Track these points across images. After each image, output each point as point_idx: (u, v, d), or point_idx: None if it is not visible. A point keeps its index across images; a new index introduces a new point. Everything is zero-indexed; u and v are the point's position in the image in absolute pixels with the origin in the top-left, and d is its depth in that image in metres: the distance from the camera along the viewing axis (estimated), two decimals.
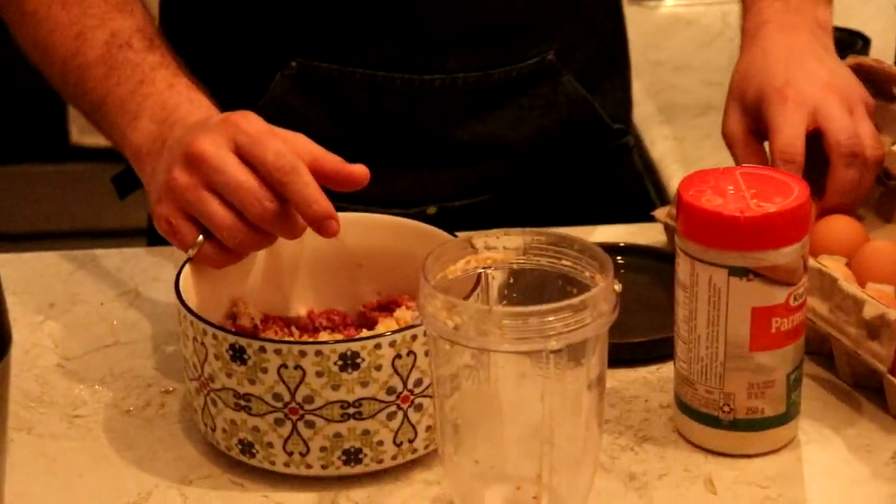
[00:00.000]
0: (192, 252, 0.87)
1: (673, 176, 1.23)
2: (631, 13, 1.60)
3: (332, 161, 0.88)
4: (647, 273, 1.03)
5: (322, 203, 0.85)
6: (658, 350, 0.95)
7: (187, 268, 0.89)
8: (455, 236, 0.90)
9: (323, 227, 0.86)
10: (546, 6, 1.09)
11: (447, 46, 1.07)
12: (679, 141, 1.31)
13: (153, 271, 1.06)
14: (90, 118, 0.98)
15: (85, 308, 1.02)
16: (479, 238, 0.81)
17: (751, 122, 1.03)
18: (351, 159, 0.87)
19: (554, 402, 0.77)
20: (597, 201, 1.18)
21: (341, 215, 0.95)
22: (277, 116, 1.08)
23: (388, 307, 0.94)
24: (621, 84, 1.19)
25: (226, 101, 0.97)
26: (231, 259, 0.89)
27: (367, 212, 0.94)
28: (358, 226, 0.95)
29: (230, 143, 0.86)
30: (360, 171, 0.88)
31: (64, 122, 2.30)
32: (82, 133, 2.29)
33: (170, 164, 0.88)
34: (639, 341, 0.96)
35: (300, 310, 0.96)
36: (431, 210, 1.11)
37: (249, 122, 0.87)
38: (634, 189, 1.21)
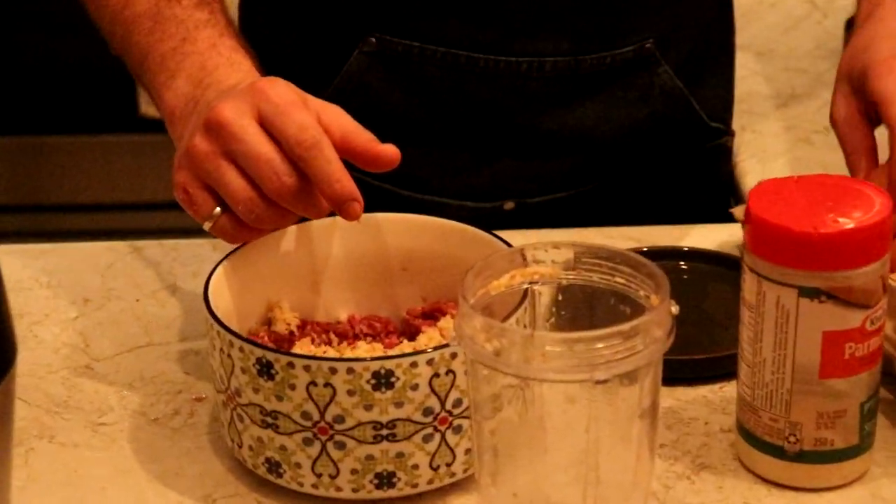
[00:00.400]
0: (208, 225, 0.83)
1: (749, 172, 1.15)
2: None
3: (363, 138, 0.82)
4: (715, 280, 0.96)
5: (344, 182, 0.80)
6: (722, 367, 0.88)
7: (220, 269, 0.84)
8: (505, 242, 0.84)
9: (344, 208, 0.80)
10: None
11: (537, 27, 1.00)
12: (757, 134, 1.23)
13: (193, 265, 1.01)
14: (135, 73, 0.94)
15: (120, 304, 0.98)
16: (528, 251, 0.75)
17: (859, 104, 0.95)
18: (427, 143, 0.81)
19: (601, 431, 0.71)
20: (687, 203, 1.11)
21: (385, 216, 0.90)
22: (354, 94, 1.03)
23: (432, 315, 0.89)
24: (725, 80, 1.12)
25: (303, 77, 0.91)
26: (249, 235, 0.84)
27: (441, 203, 0.87)
28: (402, 227, 0.89)
29: (254, 111, 0.81)
30: (389, 151, 0.82)
31: (133, 93, 2.28)
32: (150, 104, 2.26)
33: (193, 130, 0.83)
34: (701, 357, 0.89)
35: (341, 314, 0.90)
36: (509, 205, 1.05)
37: (276, 90, 0.82)
38: (729, 193, 1.13)
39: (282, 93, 0.82)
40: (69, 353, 0.92)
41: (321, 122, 0.82)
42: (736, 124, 1.24)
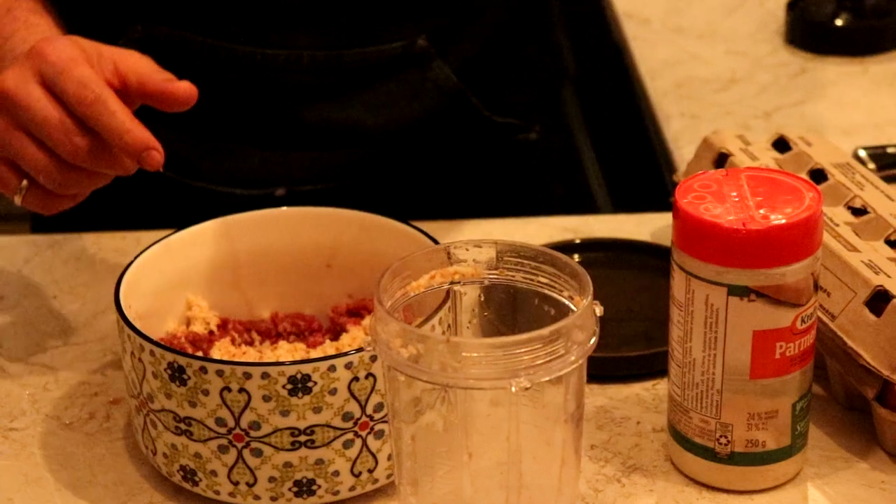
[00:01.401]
0: (18, 199, 0.80)
1: (686, 159, 1.13)
2: None
3: (157, 79, 0.80)
4: (652, 273, 0.94)
5: (135, 132, 0.78)
6: (656, 364, 0.86)
7: (135, 266, 0.81)
8: (430, 237, 0.82)
9: (142, 159, 0.78)
10: None
11: (294, 21, 0.98)
12: (696, 119, 1.20)
13: (116, 259, 0.98)
14: None
15: (36, 302, 0.94)
16: (451, 249, 0.72)
17: None
18: (196, 130, 0.80)
19: (525, 435, 0.69)
20: (489, 197, 1.09)
21: (308, 210, 0.87)
22: None
23: (357, 312, 0.86)
24: (529, 79, 1.10)
25: None
26: (62, 203, 0.81)
27: (210, 189, 0.86)
28: (325, 221, 0.86)
29: (36, 75, 0.79)
30: (184, 87, 0.80)
31: None
32: None
33: None
34: (634, 355, 0.87)
35: (264, 312, 0.88)
36: (280, 192, 1.03)
37: (55, 50, 0.79)
38: (536, 189, 1.12)
39: (60, 51, 0.79)
40: None
41: (118, 72, 0.80)
42: (674, 110, 1.22)
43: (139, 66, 0.81)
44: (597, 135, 1.76)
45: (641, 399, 0.85)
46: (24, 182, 0.80)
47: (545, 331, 0.65)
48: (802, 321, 0.74)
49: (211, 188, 1.00)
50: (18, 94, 0.78)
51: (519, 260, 0.72)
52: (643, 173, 1.33)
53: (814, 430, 0.81)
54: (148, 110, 0.87)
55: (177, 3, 0.99)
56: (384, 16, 0.99)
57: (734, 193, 0.74)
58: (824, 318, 0.81)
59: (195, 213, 0.87)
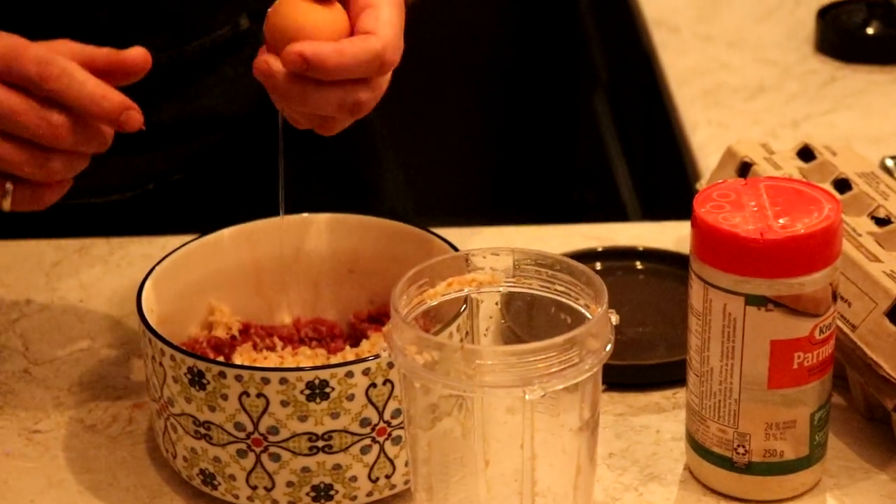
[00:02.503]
0: (6, 204, 0.78)
1: (711, 168, 1.13)
2: None
3: (103, 53, 0.78)
4: (673, 281, 0.94)
5: (111, 96, 0.76)
6: (676, 373, 0.85)
7: (157, 271, 0.82)
8: (451, 244, 0.82)
9: (123, 121, 0.76)
10: None
11: (129, 32, 0.97)
12: (723, 128, 1.20)
13: (143, 263, 0.99)
14: None
15: (63, 305, 0.95)
16: (470, 256, 0.73)
17: None
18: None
19: (541, 443, 0.69)
20: (336, 160, 1.08)
21: (329, 216, 0.87)
22: None
23: (379, 318, 0.87)
24: None
25: None
26: (52, 194, 0.79)
27: (83, 203, 0.85)
28: (349, 227, 0.87)
29: None
30: (136, 54, 0.78)
31: None
32: None
33: None
34: (654, 363, 0.87)
35: (286, 318, 0.88)
36: (151, 186, 1.02)
37: None
38: (372, 143, 1.11)
39: (3, 41, 0.77)
40: (7, 357, 0.90)
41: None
42: (701, 117, 1.22)
43: (76, 47, 0.78)
44: (627, 143, 1.76)
45: (661, 407, 0.85)
46: (9, 185, 0.78)
47: (559, 339, 0.65)
48: (821, 331, 0.74)
49: (86, 202, 0.99)
50: None
51: (536, 268, 0.72)
52: (672, 181, 1.33)
53: (834, 440, 0.81)
54: None
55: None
56: (206, 5, 0.99)
57: (753, 203, 0.74)
58: (845, 329, 0.81)
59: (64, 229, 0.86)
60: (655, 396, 0.86)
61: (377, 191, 1.14)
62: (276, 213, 0.85)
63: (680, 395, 0.85)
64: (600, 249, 0.96)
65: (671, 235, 1.01)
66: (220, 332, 0.85)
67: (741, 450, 0.76)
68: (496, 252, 0.72)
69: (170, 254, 0.84)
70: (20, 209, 0.80)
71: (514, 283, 0.72)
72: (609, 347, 0.68)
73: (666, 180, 1.36)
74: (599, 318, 0.67)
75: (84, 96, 0.76)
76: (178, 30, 1.00)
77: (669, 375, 0.86)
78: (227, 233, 0.86)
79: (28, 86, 0.77)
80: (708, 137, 1.18)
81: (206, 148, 1.05)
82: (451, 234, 0.85)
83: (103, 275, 0.99)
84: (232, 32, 1.02)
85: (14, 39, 0.78)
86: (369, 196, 1.13)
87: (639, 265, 0.95)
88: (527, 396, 0.65)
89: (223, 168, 1.06)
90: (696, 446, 0.78)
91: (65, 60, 0.76)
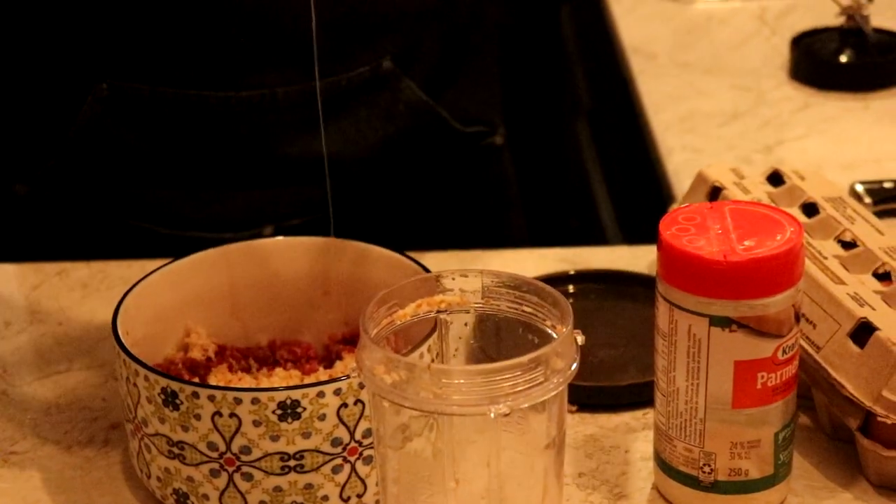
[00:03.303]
0: None
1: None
2: (663, 10, 1.53)
3: None
4: (644, 304, 0.95)
5: None
6: (646, 394, 0.86)
7: (134, 292, 0.83)
8: (423, 266, 0.83)
9: None
10: (368, 14, 1.00)
11: (264, 61, 0.99)
12: (698, 153, 1.22)
13: (121, 287, 1.00)
14: None
15: (42, 328, 0.96)
16: (440, 278, 0.74)
17: None
18: (175, 182, 0.78)
19: (510, 462, 0.70)
20: (463, 206, 1.11)
21: (305, 239, 0.89)
22: (93, 142, 1.00)
23: (353, 340, 0.88)
24: (483, 81, 1.11)
25: (40, 126, 0.85)
26: None
27: (201, 238, 0.86)
28: (322, 250, 0.88)
29: None
30: None
31: None
32: None
33: None
34: (625, 384, 0.88)
35: (262, 339, 0.89)
36: (268, 231, 1.04)
37: None
38: (503, 191, 1.13)
39: None
40: None
41: None
42: (677, 143, 1.24)
43: None
44: (608, 168, 1.77)
45: (631, 428, 0.86)
46: None
47: (525, 358, 0.66)
48: (784, 352, 0.75)
49: (202, 236, 1.01)
50: None
51: (504, 289, 0.73)
52: (649, 206, 1.35)
53: (799, 459, 0.82)
54: (133, 168, 0.82)
55: (142, 57, 0.99)
56: (347, 44, 1.00)
57: (717, 226, 0.76)
58: (809, 350, 0.83)
59: None
60: (626, 417, 0.87)
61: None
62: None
63: (650, 415, 0.87)
64: (573, 273, 0.97)
65: (645, 259, 1.02)
66: (196, 354, 0.86)
67: (707, 468, 0.77)
68: (465, 274, 0.73)
69: (147, 276, 0.85)
70: None
71: (482, 304, 0.74)
72: (574, 367, 0.69)
73: (643, 205, 1.38)
74: (564, 338, 0.68)
75: None
76: (313, 64, 0.97)
77: (640, 396, 0.87)
78: (203, 255, 0.87)
79: None
80: (683, 162, 1.20)
81: (325, 196, 1.05)
82: (428, 257, 0.86)
83: (82, 298, 1.00)
84: (371, 73, 1.02)
85: None
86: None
87: (611, 288, 0.96)
88: (492, 414, 0.66)
89: (340, 218, 1.06)
90: (664, 465, 0.79)
91: None
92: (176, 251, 0.86)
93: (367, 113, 1.03)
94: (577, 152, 1.92)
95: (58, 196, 1.07)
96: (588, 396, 0.87)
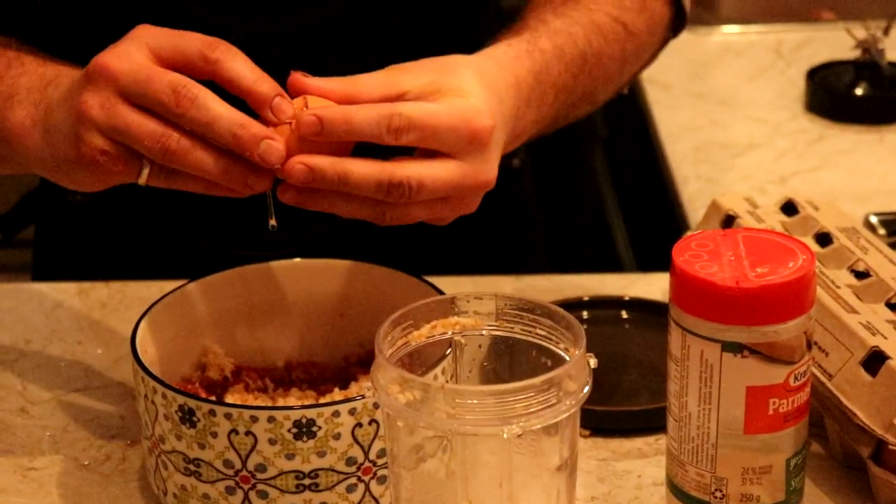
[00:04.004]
0: (143, 177, 0.78)
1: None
2: (679, 41, 1.51)
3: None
4: (658, 330, 0.96)
5: (248, 125, 0.75)
6: (658, 419, 0.87)
7: (153, 312, 0.84)
8: (437, 289, 0.84)
9: (262, 152, 0.75)
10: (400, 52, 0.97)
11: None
12: (712, 182, 1.23)
13: (141, 307, 1.01)
14: None
15: (61, 346, 0.98)
16: (455, 300, 0.75)
17: None
18: (216, 207, 0.80)
19: (522, 483, 0.71)
20: (483, 228, 1.11)
21: (322, 261, 0.90)
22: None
23: (369, 362, 0.88)
24: None
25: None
26: (189, 182, 0.78)
27: (240, 254, 0.86)
28: (339, 272, 0.89)
29: (116, 94, 0.76)
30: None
31: None
32: None
33: (72, 106, 0.78)
34: (638, 409, 0.89)
35: (278, 360, 0.90)
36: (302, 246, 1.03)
37: (121, 61, 0.77)
38: (523, 213, 1.14)
39: (128, 61, 0.77)
40: (4, 396, 0.92)
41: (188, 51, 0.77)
42: (691, 173, 1.25)
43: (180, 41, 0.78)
44: (624, 197, 1.78)
45: (643, 453, 0.87)
46: (145, 160, 0.77)
47: (538, 380, 0.67)
48: (796, 378, 0.76)
49: (235, 253, 1.02)
50: (111, 122, 0.76)
51: (518, 312, 0.74)
52: (663, 235, 1.35)
53: (812, 487, 0.82)
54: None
55: None
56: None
57: (730, 253, 0.76)
58: (822, 378, 0.83)
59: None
60: (638, 442, 0.87)
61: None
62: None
63: (662, 441, 0.87)
64: (587, 299, 0.98)
65: (659, 286, 1.03)
66: (213, 373, 0.87)
67: (718, 494, 0.77)
68: (480, 297, 0.74)
69: (165, 295, 0.86)
70: (155, 185, 0.79)
71: (496, 326, 0.75)
72: (587, 389, 0.70)
73: (658, 234, 1.39)
74: (577, 361, 0.69)
75: (219, 124, 0.75)
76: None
77: (652, 422, 0.88)
78: (221, 276, 0.88)
79: (159, 110, 0.76)
80: (697, 192, 1.20)
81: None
82: (444, 282, 0.87)
83: (101, 317, 1.01)
84: None
85: (139, 54, 0.77)
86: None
87: (624, 314, 0.97)
88: (504, 435, 0.67)
89: (381, 234, 1.07)
90: (676, 490, 0.79)
91: (199, 87, 0.76)
92: (215, 268, 0.87)
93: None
94: (593, 180, 1.93)
95: (110, 207, 1.09)
96: (601, 421, 0.87)
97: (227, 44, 0.78)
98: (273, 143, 0.76)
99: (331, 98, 0.78)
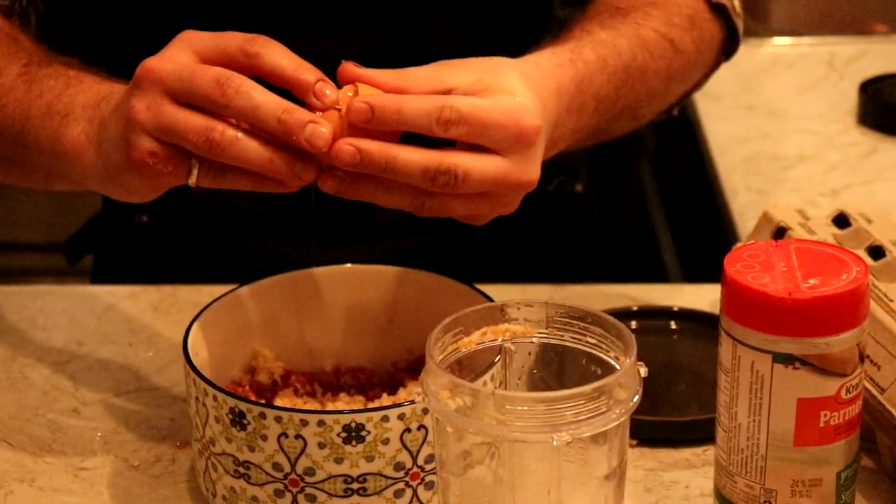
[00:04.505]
0: (193, 177, 0.79)
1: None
2: None
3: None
4: (706, 341, 0.95)
5: (292, 111, 0.75)
6: (707, 430, 0.87)
7: (204, 316, 0.85)
8: (486, 296, 0.84)
9: (308, 136, 0.75)
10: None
11: None
12: (763, 194, 1.22)
13: (191, 311, 1.02)
14: (11, 148, 0.88)
15: (112, 349, 0.99)
16: (505, 307, 0.75)
17: None
18: (282, 235, 0.80)
19: (569, 492, 0.71)
20: (544, 251, 1.13)
21: (369, 268, 0.90)
22: (208, 198, 1.03)
23: (417, 368, 0.89)
24: None
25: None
26: (238, 178, 0.78)
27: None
28: (386, 279, 0.89)
29: (162, 95, 0.77)
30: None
31: None
32: None
33: (122, 114, 0.79)
34: (687, 420, 0.88)
35: (327, 365, 0.91)
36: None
37: (165, 63, 0.78)
38: (583, 237, 1.14)
39: (171, 62, 0.78)
40: (57, 396, 0.93)
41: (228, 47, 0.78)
42: (741, 184, 1.24)
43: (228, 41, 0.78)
44: (671, 209, 1.78)
45: (691, 464, 0.86)
46: (194, 160, 0.78)
47: (588, 387, 0.67)
48: (847, 391, 0.75)
49: (287, 246, 1.04)
50: (158, 121, 0.77)
51: (568, 320, 0.74)
52: (712, 247, 1.35)
53: (862, 501, 0.82)
54: (241, 216, 0.86)
55: None
56: None
57: (782, 264, 0.76)
58: (874, 391, 0.83)
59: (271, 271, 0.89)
60: (686, 453, 0.87)
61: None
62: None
63: (710, 452, 0.87)
64: (636, 308, 0.98)
65: (707, 298, 1.03)
66: (263, 377, 0.87)
67: None
68: (530, 304, 0.74)
69: (217, 299, 0.86)
70: (205, 185, 0.79)
71: (547, 334, 0.75)
72: (637, 398, 0.70)
73: (706, 245, 1.38)
74: (628, 369, 0.69)
75: (263, 111, 0.76)
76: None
77: (700, 433, 0.88)
78: (271, 281, 0.88)
79: (205, 104, 0.77)
80: (747, 204, 1.20)
81: (431, 244, 1.07)
82: (492, 290, 0.87)
83: (152, 321, 1.02)
84: None
85: (181, 54, 0.78)
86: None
87: (673, 325, 0.97)
88: (554, 442, 0.67)
89: (440, 254, 1.07)
90: (724, 501, 0.79)
91: (234, 77, 0.77)
92: (258, 257, 0.88)
93: None
94: (640, 193, 1.92)
95: (175, 230, 1.10)
96: (648, 431, 0.87)
97: (266, 38, 0.78)
98: (318, 127, 0.76)
99: (381, 88, 0.79)
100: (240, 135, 0.77)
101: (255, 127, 0.77)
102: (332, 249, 1.06)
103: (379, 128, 0.77)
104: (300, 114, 0.77)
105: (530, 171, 0.80)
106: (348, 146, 0.77)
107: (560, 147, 0.89)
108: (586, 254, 1.18)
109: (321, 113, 0.77)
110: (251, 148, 0.77)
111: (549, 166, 1.12)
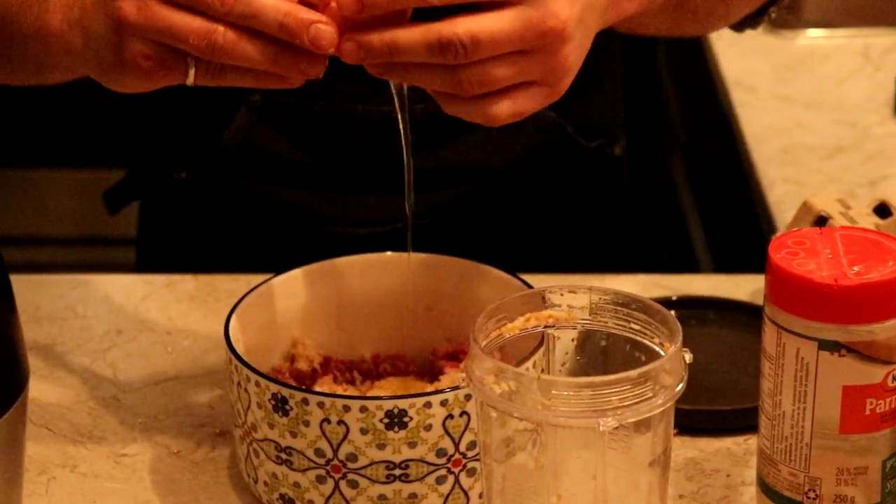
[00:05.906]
0: (190, 77, 0.76)
1: (787, 224, 1.14)
2: (765, 44, 1.53)
3: None
4: (745, 331, 0.95)
5: (295, 12, 0.73)
6: (747, 419, 0.87)
7: (245, 303, 0.85)
8: (526, 283, 0.84)
9: (312, 37, 0.73)
10: None
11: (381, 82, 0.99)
12: (800, 185, 1.22)
13: (228, 300, 1.02)
14: None
15: (151, 337, 0.99)
16: (546, 294, 0.75)
17: None
18: (315, 186, 0.79)
19: (613, 479, 0.71)
20: (581, 215, 1.13)
21: (411, 255, 0.90)
22: (243, 146, 1.04)
23: (456, 356, 0.89)
24: (605, 95, 1.12)
25: (191, 131, 0.89)
26: (239, 77, 0.76)
27: (334, 231, 0.87)
28: (425, 267, 0.89)
29: None
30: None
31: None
32: None
33: (108, 13, 0.77)
34: (726, 409, 0.88)
35: (366, 352, 0.91)
36: (399, 224, 1.01)
37: None
38: (620, 201, 1.15)
39: None
40: (97, 384, 0.94)
41: None
42: (778, 175, 1.24)
43: None
44: (703, 201, 1.77)
45: (732, 453, 0.86)
46: (189, 59, 0.76)
47: (633, 372, 0.67)
48: (894, 378, 0.74)
49: (336, 231, 1.04)
50: (152, 24, 0.75)
51: (612, 306, 0.74)
52: (746, 238, 1.34)
53: None
54: (278, 168, 0.84)
55: None
56: None
57: (828, 250, 0.76)
58: None
59: (312, 253, 0.89)
60: (727, 442, 0.87)
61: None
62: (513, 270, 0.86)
63: (751, 441, 0.87)
64: (675, 298, 0.98)
65: (745, 288, 1.02)
66: (302, 365, 0.87)
67: (812, 494, 0.77)
68: (574, 290, 0.74)
69: (257, 286, 0.87)
70: (202, 84, 0.78)
71: (590, 321, 0.74)
72: (682, 385, 0.69)
73: (740, 237, 1.38)
74: (673, 356, 0.69)
75: (265, 14, 0.74)
76: None
77: (741, 422, 0.87)
78: (311, 269, 0.88)
79: (202, 8, 0.75)
80: (784, 195, 1.19)
81: (463, 197, 1.07)
82: (530, 279, 0.87)
83: (190, 309, 1.02)
84: None
85: None
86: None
87: (712, 315, 0.97)
88: (600, 427, 0.66)
89: (476, 218, 1.08)
90: (767, 489, 0.79)
91: None
92: (311, 245, 0.87)
93: (498, 129, 1.03)
94: (671, 186, 1.92)
95: (212, 185, 1.11)
96: (690, 420, 0.87)
97: None
98: (322, 27, 0.74)
99: None
100: (242, 35, 0.75)
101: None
102: (364, 202, 1.07)
103: (374, 12, 0.75)
104: (303, 14, 0.74)
105: (554, 10, 0.75)
106: (349, 43, 0.75)
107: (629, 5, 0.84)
108: (621, 221, 1.18)
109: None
110: (255, 47, 0.75)
111: (590, 127, 1.12)
